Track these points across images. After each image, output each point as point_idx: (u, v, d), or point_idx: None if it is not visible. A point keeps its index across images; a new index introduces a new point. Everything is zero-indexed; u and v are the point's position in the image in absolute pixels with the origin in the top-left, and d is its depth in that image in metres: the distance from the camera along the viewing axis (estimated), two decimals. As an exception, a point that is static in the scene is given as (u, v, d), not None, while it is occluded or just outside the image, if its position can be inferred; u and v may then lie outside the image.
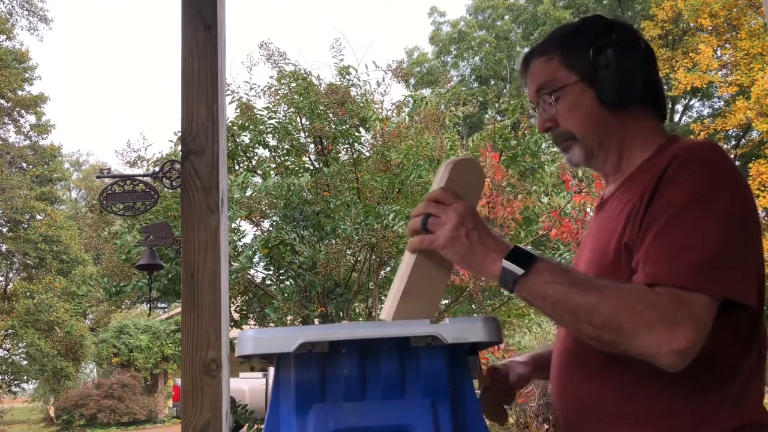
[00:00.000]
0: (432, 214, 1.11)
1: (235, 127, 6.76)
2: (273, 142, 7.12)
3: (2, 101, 22.01)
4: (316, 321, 6.13)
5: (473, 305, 7.30)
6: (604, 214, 1.25)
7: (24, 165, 23.09)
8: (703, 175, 1.07)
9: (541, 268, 1.04)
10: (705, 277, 0.99)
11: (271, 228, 6.55)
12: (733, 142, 19.86)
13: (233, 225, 6.38)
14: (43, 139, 23.49)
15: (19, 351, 20.82)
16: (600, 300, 1.00)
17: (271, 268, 6.38)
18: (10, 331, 20.30)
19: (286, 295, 5.98)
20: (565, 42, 1.27)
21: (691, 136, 16.98)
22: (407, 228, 1.17)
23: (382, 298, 7.22)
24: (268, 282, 6.53)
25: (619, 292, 1.01)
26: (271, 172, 7.08)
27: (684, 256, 1.01)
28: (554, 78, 1.25)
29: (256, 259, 6.29)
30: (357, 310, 7.02)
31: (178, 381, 14.41)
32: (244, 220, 6.52)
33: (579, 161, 1.28)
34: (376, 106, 7.33)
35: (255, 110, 6.75)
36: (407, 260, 1.14)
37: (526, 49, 1.38)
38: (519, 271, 1.04)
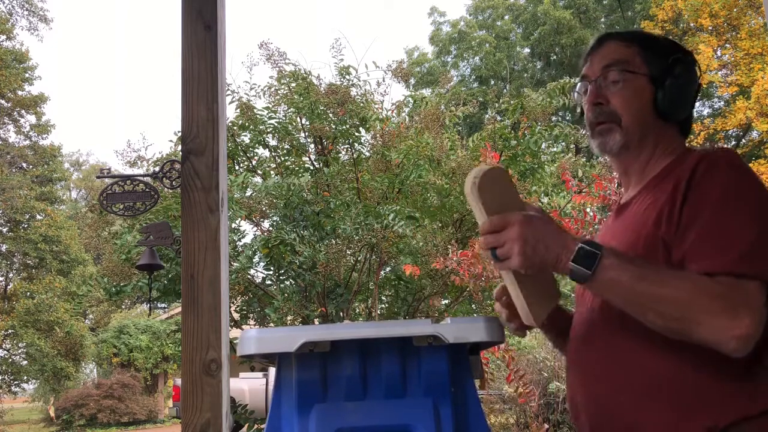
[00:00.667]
0: (495, 246, 1.12)
1: (235, 127, 6.75)
2: (273, 142, 7.12)
3: (2, 101, 22.00)
4: (316, 321, 6.13)
5: (473, 305, 7.30)
6: (625, 216, 1.31)
7: (24, 165, 23.08)
8: (732, 175, 1.15)
9: (606, 266, 1.07)
10: (755, 263, 1.07)
11: (271, 228, 6.55)
12: (733, 142, 19.86)
13: (233, 225, 6.37)
14: (43, 139, 23.50)
15: (19, 351, 20.82)
16: (667, 292, 1.06)
17: (271, 268, 6.37)
18: (10, 331, 20.29)
19: (286, 295, 5.97)
20: (647, 39, 1.35)
21: (691, 136, 17.01)
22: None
23: (383, 298, 7.23)
24: (268, 282, 6.52)
25: (684, 283, 1.07)
26: (271, 172, 7.07)
27: (732, 246, 1.08)
28: (628, 61, 1.31)
29: (256, 259, 6.28)
30: (357, 310, 7.02)
31: (178, 381, 14.40)
32: (244, 220, 6.52)
33: (615, 148, 1.31)
34: (376, 106, 7.33)
35: (255, 110, 6.74)
36: (507, 278, 1.16)
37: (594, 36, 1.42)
38: (586, 272, 1.08)
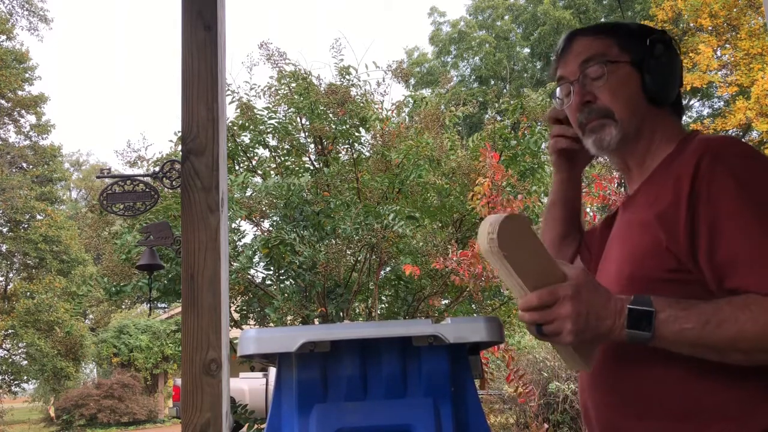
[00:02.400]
0: (541, 323, 1.03)
1: (235, 127, 6.75)
2: (273, 142, 7.12)
3: (2, 101, 22.00)
4: (316, 321, 6.13)
5: (473, 305, 7.30)
6: (631, 211, 1.26)
7: (24, 165, 23.08)
8: (743, 173, 1.09)
9: (665, 321, 1.02)
10: None
11: (271, 228, 6.55)
12: (733, 142, 19.84)
13: (233, 225, 6.37)
14: (43, 139, 23.48)
15: (19, 351, 20.81)
16: (738, 329, 1.01)
17: (271, 268, 6.37)
18: (10, 331, 20.28)
19: (286, 295, 5.97)
20: (617, 27, 1.29)
21: (691, 136, 17.01)
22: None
23: (383, 298, 7.22)
24: (268, 282, 6.52)
25: (751, 313, 1.01)
26: (271, 172, 7.07)
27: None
28: (605, 53, 1.24)
29: (256, 259, 6.28)
30: (357, 310, 7.02)
31: (178, 381, 14.40)
32: (244, 220, 6.52)
33: (612, 143, 1.24)
34: (376, 106, 7.33)
35: (255, 110, 6.74)
36: (560, 349, 1.08)
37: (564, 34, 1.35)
38: (646, 335, 1.02)
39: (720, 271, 1.06)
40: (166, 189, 2.96)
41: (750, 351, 1.01)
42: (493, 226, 1.00)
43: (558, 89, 1.32)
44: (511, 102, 7.36)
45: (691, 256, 1.08)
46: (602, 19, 26.13)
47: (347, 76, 7.14)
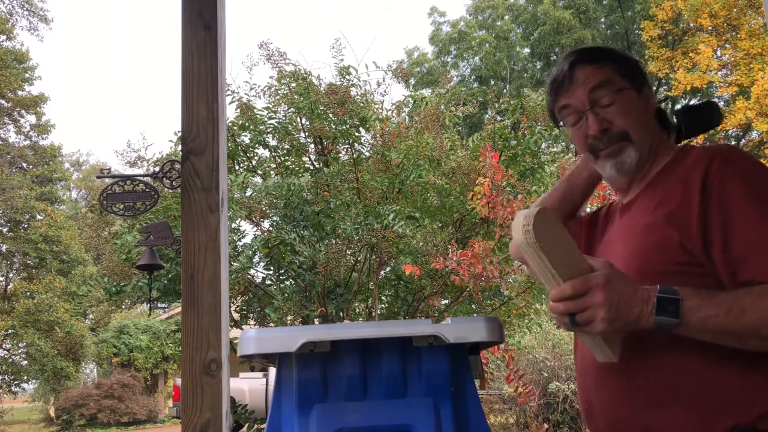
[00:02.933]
0: (575, 312, 1.07)
1: (235, 127, 6.75)
2: (273, 142, 7.11)
3: (2, 101, 21.99)
4: (316, 321, 6.13)
5: (473, 305, 7.30)
6: (631, 216, 1.32)
7: (24, 165, 23.07)
8: (753, 174, 1.18)
9: (691, 308, 1.07)
10: None
11: (271, 228, 6.54)
12: (733, 142, 19.87)
13: (233, 225, 6.37)
14: (43, 139, 23.48)
15: (19, 351, 20.81)
16: (760, 316, 1.07)
17: (271, 268, 6.37)
18: (10, 331, 20.28)
19: (286, 295, 5.97)
20: (611, 54, 1.38)
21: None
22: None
23: (383, 298, 7.22)
24: (268, 282, 6.52)
25: (764, 301, 1.07)
26: (271, 172, 7.07)
27: None
28: (611, 80, 1.32)
29: (256, 259, 6.28)
30: (357, 310, 7.02)
31: (178, 381, 14.40)
32: (244, 220, 6.52)
33: (632, 164, 1.31)
34: (376, 106, 7.32)
35: (255, 110, 6.73)
36: (588, 340, 1.12)
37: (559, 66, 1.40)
38: (673, 321, 1.07)
39: (734, 265, 1.13)
40: (166, 189, 2.96)
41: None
42: (527, 219, 1.03)
43: (564, 119, 1.39)
44: (511, 102, 7.36)
45: (704, 251, 1.15)
46: (602, 20, 26.13)
47: (347, 76, 7.13)
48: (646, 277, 1.15)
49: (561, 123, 1.40)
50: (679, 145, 1.39)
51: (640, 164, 1.32)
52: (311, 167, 7.07)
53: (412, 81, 24.01)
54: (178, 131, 5.23)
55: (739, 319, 1.06)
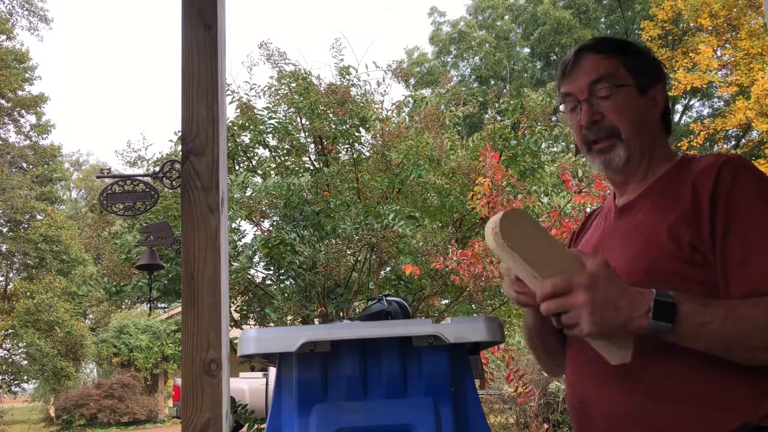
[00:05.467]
0: (560, 312, 1.05)
1: (235, 127, 6.75)
2: (273, 142, 7.11)
3: (2, 101, 21.99)
4: (316, 321, 6.13)
5: (473, 305, 7.30)
6: (631, 219, 1.30)
7: (24, 165, 23.07)
8: (762, 185, 1.17)
9: (686, 314, 1.05)
10: None
11: (271, 228, 6.54)
12: (733, 142, 19.86)
13: (233, 225, 6.37)
14: (43, 139, 23.48)
15: (19, 351, 20.81)
16: (753, 326, 1.05)
17: (271, 268, 6.37)
18: (10, 331, 20.28)
19: (286, 295, 5.97)
20: (622, 47, 1.35)
21: (691, 136, 17.03)
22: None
23: (382, 298, 7.21)
24: (268, 282, 6.52)
25: (757, 311, 1.06)
26: (271, 172, 7.07)
27: None
28: (614, 74, 1.30)
29: (256, 259, 6.28)
30: (357, 310, 7.01)
31: (178, 381, 14.40)
32: (244, 220, 6.52)
33: (620, 163, 1.30)
34: (376, 106, 7.32)
35: (255, 110, 6.74)
36: (595, 342, 1.09)
37: (571, 51, 1.39)
38: (666, 326, 1.04)
39: (731, 269, 1.12)
40: (166, 189, 2.96)
41: (757, 348, 1.06)
42: (495, 222, 1.04)
43: (562, 105, 1.38)
44: (511, 102, 7.36)
45: (712, 252, 1.14)
46: (602, 20, 26.12)
47: (347, 76, 7.14)
48: (653, 278, 1.13)
49: (561, 106, 1.39)
50: (680, 154, 1.37)
51: (631, 164, 1.31)
52: (311, 167, 7.07)
53: (412, 81, 23.99)
54: (178, 131, 5.23)
55: (732, 328, 1.05)
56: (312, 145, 7.22)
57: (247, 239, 6.51)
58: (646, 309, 1.03)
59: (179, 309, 5.20)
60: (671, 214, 1.19)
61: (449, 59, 28.01)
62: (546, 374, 8.33)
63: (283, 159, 7.18)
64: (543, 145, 6.96)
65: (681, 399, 1.12)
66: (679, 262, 1.15)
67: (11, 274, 23.37)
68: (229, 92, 6.59)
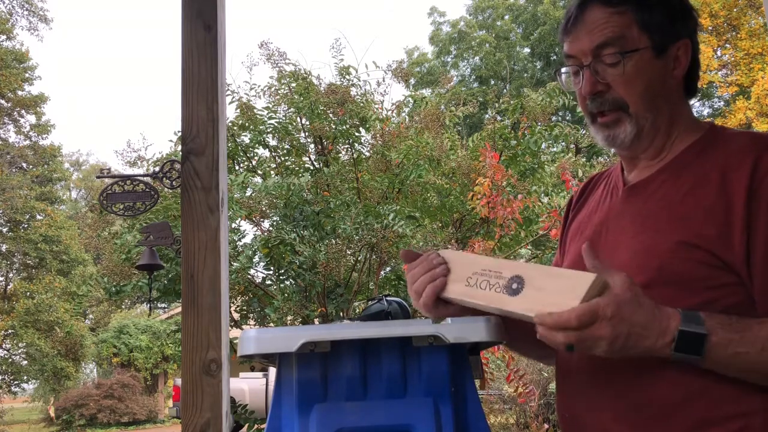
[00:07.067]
0: (572, 343, 0.92)
1: (235, 127, 6.75)
2: (273, 142, 7.11)
3: (2, 101, 22.00)
4: (316, 321, 6.13)
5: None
6: (646, 198, 1.12)
7: (24, 165, 23.08)
8: None
9: (718, 344, 0.93)
10: None
11: (271, 228, 6.54)
12: (733, 142, 19.85)
13: (233, 225, 6.37)
14: (43, 139, 23.50)
15: (19, 351, 20.82)
16: None
17: (271, 268, 6.37)
18: (10, 331, 20.29)
19: (286, 295, 5.97)
20: None
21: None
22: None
23: (383, 298, 7.21)
24: (268, 282, 6.52)
25: None
26: (271, 172, 7.07)
27: None
28: (624, 36, 1.09)
29: (256, 259, 6.28)
30: (357, 310, 7.01)
31: (178, 381, 14.39)
32: (244, 220, 6.52)
33: (626, 140, 1.12)
34: (376, 106, 7.33)
35: (255, 110, 6.74)
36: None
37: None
38: (695, 358, 0.94)
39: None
40: (166, 189, 2.96)
41: None
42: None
43: (564, 68, 1.19)
44: (511, 102, 7.36)
45: (745, 261, 0.99)
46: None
47: (347, 76, 7.14)
48: (665, 277, 1.02)
49: (563, 68, 1.19)
50: (706, 121, 1.17)
51: (641, 141, 1.12)
52: (311, 167, 7.07)
53: (412, 81, 23.99)
54: (178, 131, 5.23)
55: (765, 356, 0.93)
56: (312, 145, 7.22)
57: (247, 239, 6.52)
58: (671, 338, 0.93)
59: (179, 309, 5.20)
60: (693, 204, 1.03)
61: (449, 59, 28.03)
62: (542, 364, 8.33)
63: (283, 159, 7.18)
64: (543, 145, 6.96)
65: (680, 414, 1.02)
66: (698, 264, 1.01)
67: (11, 274, 23.38)
68: (229, 92, 6.59)
